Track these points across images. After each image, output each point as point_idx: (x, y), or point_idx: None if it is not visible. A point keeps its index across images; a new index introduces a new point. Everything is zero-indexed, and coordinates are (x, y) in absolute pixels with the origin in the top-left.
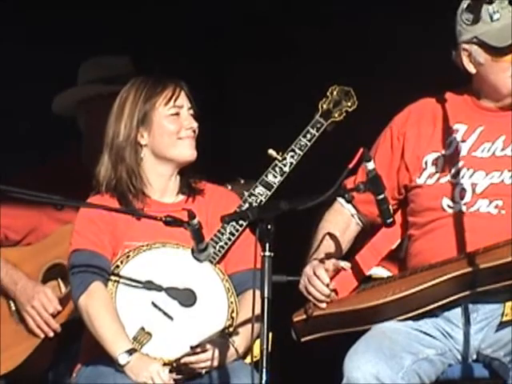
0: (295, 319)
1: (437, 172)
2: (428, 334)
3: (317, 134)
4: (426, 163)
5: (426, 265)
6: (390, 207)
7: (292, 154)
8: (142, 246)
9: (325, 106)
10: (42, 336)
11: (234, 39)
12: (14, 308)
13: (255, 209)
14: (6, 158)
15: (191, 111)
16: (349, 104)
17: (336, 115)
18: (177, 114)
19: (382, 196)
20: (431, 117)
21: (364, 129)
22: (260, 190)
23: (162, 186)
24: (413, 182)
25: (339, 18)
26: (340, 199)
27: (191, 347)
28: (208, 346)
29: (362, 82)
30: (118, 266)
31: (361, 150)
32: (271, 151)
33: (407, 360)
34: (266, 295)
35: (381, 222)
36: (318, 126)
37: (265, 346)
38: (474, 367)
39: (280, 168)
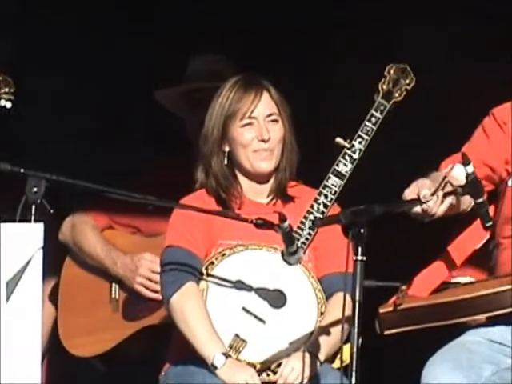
0: (381, 311)
1: None
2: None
3: (381, 117)
4: None
5: None
6: (490, 210)
7: (360, 140)
8: (238, 245)
9: (385, 87)
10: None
11: None
12: (114, 295)
13: (348, 212)
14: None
15: (272, 117)
16: (407, 82)
17: (397, 95)
18: (250, 123)
19: (481, 200)
20: None
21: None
22: (333, 180)
23: (255, 187)
24: (505, 180)
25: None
26: None
27: (261, 363)
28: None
29: (362, 82)
30: (212, 263)
31: (460, 154)
32: (339, 139)
33: (487, 371)
34: (357, 298)
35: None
36: (382, 108)
37: (355, 350)
38: None
39: (350, 156)
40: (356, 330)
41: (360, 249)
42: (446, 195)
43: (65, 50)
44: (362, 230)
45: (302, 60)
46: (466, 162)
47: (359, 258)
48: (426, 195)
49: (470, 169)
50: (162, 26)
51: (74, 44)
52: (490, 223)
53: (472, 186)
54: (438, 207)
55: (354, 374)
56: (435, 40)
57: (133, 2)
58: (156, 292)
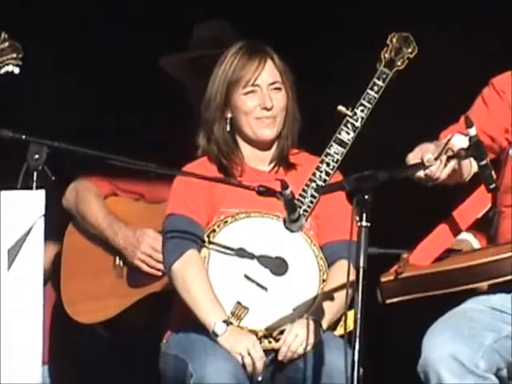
0: (383, 279)
1: None
2: None
3: (383, 85)
4: None
5: None
6: (493, 173)
7: (362, 108)
8: (240, 213)
9: (387, 56)
10: (158, 276)
11: None
12: (118, 262)
13: (352, 179)
14: None
15: (275, 85)
16: (409, 50)
17: (399, 63)
18: (253, 91)
19: (484, 162)
20: None
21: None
22: (335, 148)
23: (257, 154)
24: (506, 149)
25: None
26: None
27: (265, 329)
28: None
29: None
30: (214, 230)
31: (464, 117)
32: (341, 107)
33: (488, 338)
34: (361, 264)
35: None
36: (384, 76)
37: (359, 316)
38: None
39: (352, 124)
40: (360, 296)
41: (365, 215)
42: (449, 159)
43: (65, 49)
44: (366, 197)
45: (304, 53)
46: (469, 124)
47: (364, 224)
48: (430, 159)
49: (473, 131)
50: (162, 26)
51: (73, 44)
52: (494, 185)
53: (475, 148)
54: (442, 171)
55: (357, 340)
56: (435, 40)
57: (133, 3)
58: (154, 268)
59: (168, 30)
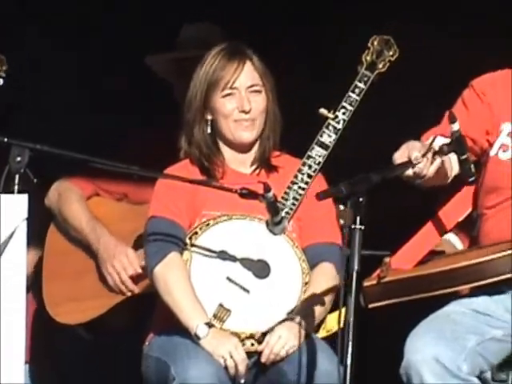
0: (366, 284)
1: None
2: (496, 318)
3: (365, 88)
4: (501, 132)
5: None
6: (473, 167)
7: (343, 110)
8: (222, 216)
9: (368, 58)
10: (119, 294)
11: None
12: None
13: (347, 183)
14: None
15: (254, 88)
16: (391, 53)
17: (380, 66)
18: (231, 94)
19: (465, 156)
20: None
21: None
22: (317, 151)
23: (237, 157)
24: (487, 150)
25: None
26: None
27: (262, 333)
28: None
29: None
30: (196, 233)
31: (447, 113)
32: (322, 110)
33: (471, 341)
34: (355, 267)
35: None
36: (365, 79)
37: (351, 319)
38: None
39: (333, 127)
40: (353, 299)
41: (359, 218)
42: (434, 155)
43: (65, 49)
44: (360, 199)
45: (305, 41)
46: (452, 119)
47: (357, 226)
48: (417, 157)
49: (456, 126)
50: (162, 26)
51: (73, 44)
52: (473, 178)
53: (457, 143)
54: (428, 168)
55: (350, 343)
56: (435, 40)
57: (133, 2)
58: (116, 287)
59: (168, 30)
